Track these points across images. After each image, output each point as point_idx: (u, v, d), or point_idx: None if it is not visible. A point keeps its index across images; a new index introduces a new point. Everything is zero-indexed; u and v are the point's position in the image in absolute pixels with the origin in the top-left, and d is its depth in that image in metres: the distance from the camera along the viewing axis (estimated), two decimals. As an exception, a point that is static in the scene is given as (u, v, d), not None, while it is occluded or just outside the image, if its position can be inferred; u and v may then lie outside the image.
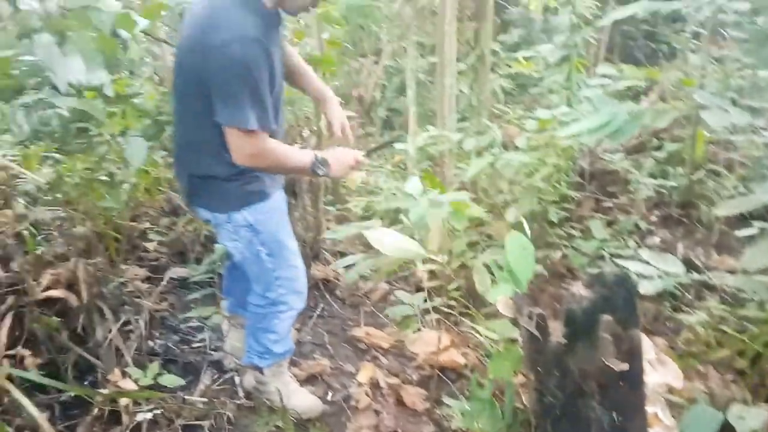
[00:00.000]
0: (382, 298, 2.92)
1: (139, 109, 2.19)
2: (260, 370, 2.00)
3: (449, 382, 2.35)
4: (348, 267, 2.42)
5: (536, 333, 1.25)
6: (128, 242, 2.83)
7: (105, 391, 1.75)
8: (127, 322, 2.00)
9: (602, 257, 3.33)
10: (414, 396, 2.25)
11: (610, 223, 3.67)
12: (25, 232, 2.08)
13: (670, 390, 1.41)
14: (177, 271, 2.73)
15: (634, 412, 1.26)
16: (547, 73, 4.43)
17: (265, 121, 1.56)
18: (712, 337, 2.13)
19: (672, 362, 1.39)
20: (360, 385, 2.28)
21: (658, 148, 4.25)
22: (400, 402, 2.23)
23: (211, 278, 2.70)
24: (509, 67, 4.99)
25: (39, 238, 2.25)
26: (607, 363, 1.23)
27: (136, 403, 1.82)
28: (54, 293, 1.87)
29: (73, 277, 1.86)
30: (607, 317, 1.20)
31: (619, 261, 1.90)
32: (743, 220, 3.72)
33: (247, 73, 1.48)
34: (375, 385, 2.31)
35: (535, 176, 3.19)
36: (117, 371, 1.83)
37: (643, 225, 3.85)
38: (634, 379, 1.29)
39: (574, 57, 4.54)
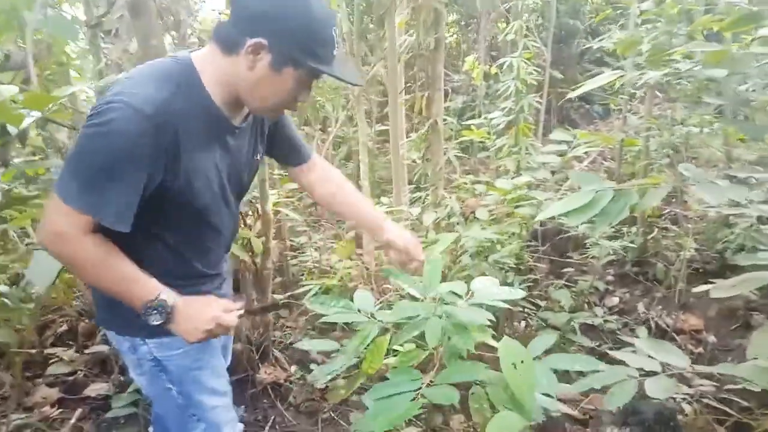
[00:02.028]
0: (342, 400, 2.56)
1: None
2: None
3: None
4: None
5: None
6: (39, 354, 2.38)
7: None
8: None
9: (573, 330, 3.16)
10: None
11: (567, 286, 3.53)
12: None
13: None
14: (96, 389, 2.29)
15: None
16: (494, 138, 4.37)
17: (102, 211, 1.11)
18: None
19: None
20: None
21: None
22: None
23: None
24: (458, 135, 4.92)
25: None
26: None
27: None
28: None
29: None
30: (652, 470, 0.93)
31: (616, 354, 1.66)
32: (700, 276, 3.71)
33: (106, 146, 1.07)
34: None
35: (499, 249, 3.00)
36: None
37: (601, 285, 3.75)
38: None
39: (521, 122, 4.53)
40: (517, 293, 1.55)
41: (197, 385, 1.38)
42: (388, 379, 1.40)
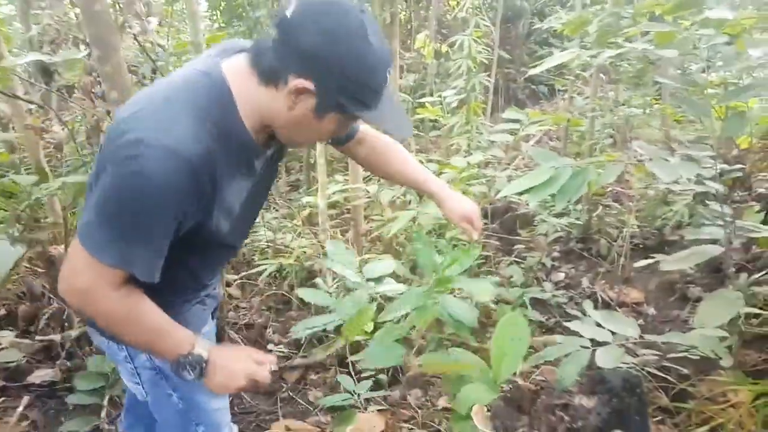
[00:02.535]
0: (299, 378, 2.55)
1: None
2: None
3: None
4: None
5: (532, 459, 1.00)
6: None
7: None
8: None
9: (524, 304, 3.26)
10: (353, 504, 1.90)
11: (517, 263, 3.64)
12: None
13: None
14: (41, 375, 2.17)
15: None
16: (446, 117, 4.40)
17: (135, 265, 1.01)
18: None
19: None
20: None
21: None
22: None
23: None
24: (413, 114, 4.92)
25: None
26: (615, 485, 1.01)
27: None
28: None
29: None
30: (619, 434, 0.97)
31: (568, 324, 1.72)
32: (641, 251, 3.91)
33: (139, 194, 0.95)
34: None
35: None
36: None
37: (548, 262, 3.89)
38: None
39: (472, 100, 4.58)
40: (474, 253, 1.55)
41: (198, 388, 1.24)
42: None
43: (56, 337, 2.24)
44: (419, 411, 2.22)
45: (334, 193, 3.18)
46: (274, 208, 4.17)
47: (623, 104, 5.10)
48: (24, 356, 2.28)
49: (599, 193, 4.52)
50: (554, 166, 1.71)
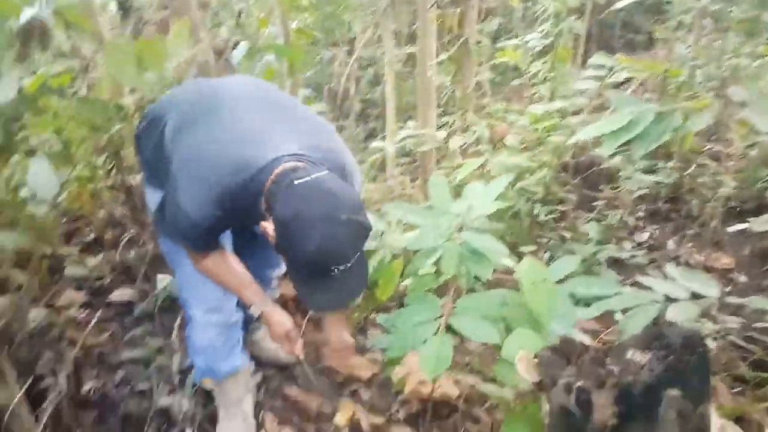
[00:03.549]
0: (363, 316, 2.58)
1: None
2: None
3: (441, 417, 2.05)
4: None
5: (576, 411, 0.94)
6: (67, 260, 2.43)
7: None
8: (42, 376, 1.61)
9: (599, 263, 3.10)
10: (402, 439, 1.93)
11: (597, 219, 3.44)
12: None
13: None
14: (120, 294, 2.34)
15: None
16: (530, 63, 4.14)
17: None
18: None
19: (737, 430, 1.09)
20: (338, 429, 1.96)
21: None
22: (385, 447, 1.92)
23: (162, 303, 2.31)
24: (491, 58, 4.70)
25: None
26: (667, 447, 0.93)
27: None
28: None
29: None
30: (674, 393, 0.89)
31: (641, 279, 1.60)
32: (736, 215, 3.58)
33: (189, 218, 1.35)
34: (356, 427, 1.99)
35: (527, 178, 2.90)
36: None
37: (631, 221, 3.65)
38: (697, 461, 0.99)
39: (558, 46, 4.28)
40: (502, 182, 1.47)
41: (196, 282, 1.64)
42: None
43: (134, 260, 2.40)
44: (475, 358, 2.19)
45: (404, 139, 3.12)
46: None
47: (731, 55, 4.58)
48: (107, 276, 2.46)
49: (695, 150, 4.15)
50: (634, 110, 1.56)
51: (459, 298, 1.30)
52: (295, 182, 1.20)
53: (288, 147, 1.32)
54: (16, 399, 1.39)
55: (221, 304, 1.70)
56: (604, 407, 0.94)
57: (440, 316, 1.31)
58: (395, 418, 2.05)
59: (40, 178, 1.42)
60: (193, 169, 1.35)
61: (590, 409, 0.94)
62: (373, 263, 1.46)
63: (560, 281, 1.36)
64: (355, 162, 1.57)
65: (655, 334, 0.93)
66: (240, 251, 1.68)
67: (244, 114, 1.41)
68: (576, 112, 3.67)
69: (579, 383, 0.93)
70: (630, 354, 0.92)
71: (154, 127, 1.54)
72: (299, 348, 1.60)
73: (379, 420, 2.02)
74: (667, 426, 0.93)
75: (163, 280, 2.27)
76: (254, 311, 1.55)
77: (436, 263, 1.40)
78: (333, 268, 1.21)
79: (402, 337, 1.32)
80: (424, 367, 1.20)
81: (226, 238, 1.66)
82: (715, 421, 1.06)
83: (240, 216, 1.40)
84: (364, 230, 1.23)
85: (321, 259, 1.19)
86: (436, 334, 1.27)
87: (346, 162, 1.48)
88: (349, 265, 1.21)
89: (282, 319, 1.57)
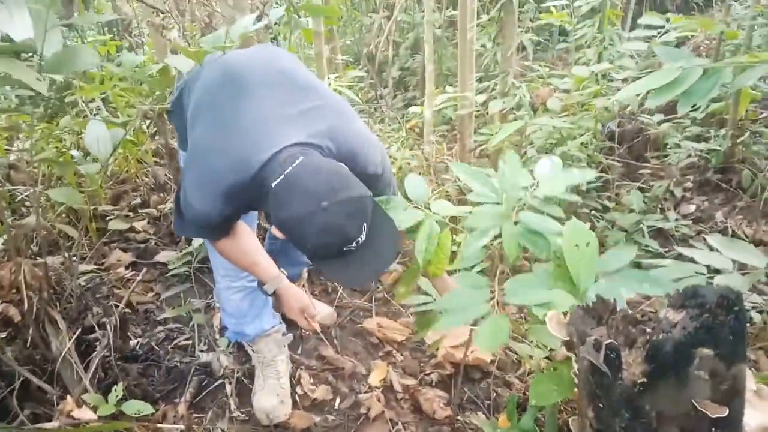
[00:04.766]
0: (396, 280, 2.61)
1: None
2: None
3: (473, 381, 2.06)
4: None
5: (605, 368, 0.92)
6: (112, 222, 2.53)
7: (54, 425, 1.41)
8: (91, 329, 1.69)
9: (641, 232, 3.01)
10: (433, 401, 1.95)
11: (642, 190, 3.32)
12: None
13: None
14: (165, 256, 2.43)
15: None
16: (577, 26, 3.96)
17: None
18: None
19: (776, 396, 1.05)
20: (371, 389, 2.00)
21: (695, 107, 3.84)
22: (416, 408, 1.95)
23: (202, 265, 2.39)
24: (535, 20, 4.53)
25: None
26: (699, 407, 0.91)
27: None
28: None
29: (18, 281, 1.52)
30: (707, 352, 0.87)
31: (683, 251, 1.54)
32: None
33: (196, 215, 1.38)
34: (388, 387, 2.02)
35: (568, 143, 2.81)
36: (69, 399, 1.47)
37: (677, 191, 3.51)
38: (731, 424, 0.97)
39: (606, 7, 4.08)
40: (589, 173, 1.42)
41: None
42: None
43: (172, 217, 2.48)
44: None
45: (441, 103, 3.07)
46: (382, 120, 4.15)
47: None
48: (152, 239, 2.56)
49: (751, 118, 3.93)
50: (682, 65, 1.48)
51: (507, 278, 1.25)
52: (272, 184, 1.22)
53: (288, 138, 1.30)
54: (67, 347, 1.48)
55: (240, 271, 1.72)
56: (633, 366, 0.92)
57: (492, 298, 1.28)
58: (427, 380, 2.08)
59: (97, 139, 1.46)
60: (200, 164, 1.37)
61: (620, 367, 0.93)
62: (422, 237, 1.41)
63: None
64: (374, 141, 1.52)
65: (690, 293, 0.90)
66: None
67: (259, 103, 1.37)
68: (621, 80, 3.52)
69: (608, 341, 0.91)
70: (663, 312, 0.90)
71: (181, 100, 1.59)
72: (316, 324, 1.61)
73: (411, 382, 2.05)
74: (699, 385, 0.90)
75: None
76: (267, 289, 1.55)
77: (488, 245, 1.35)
78: (344, 248, 1.20)
79: (452, 317, 1.28)
80: (481, 344, 1.17)
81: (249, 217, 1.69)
82: (751, 384, 1.03)
83: (251, 209, 1.43)
84: (357, 202, 1.20)
85: (325, 248, 1.20)
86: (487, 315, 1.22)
87: (357, 144, 1.44)
88: (362, 238, 1.20)
89: (297, 296, 1.58)
